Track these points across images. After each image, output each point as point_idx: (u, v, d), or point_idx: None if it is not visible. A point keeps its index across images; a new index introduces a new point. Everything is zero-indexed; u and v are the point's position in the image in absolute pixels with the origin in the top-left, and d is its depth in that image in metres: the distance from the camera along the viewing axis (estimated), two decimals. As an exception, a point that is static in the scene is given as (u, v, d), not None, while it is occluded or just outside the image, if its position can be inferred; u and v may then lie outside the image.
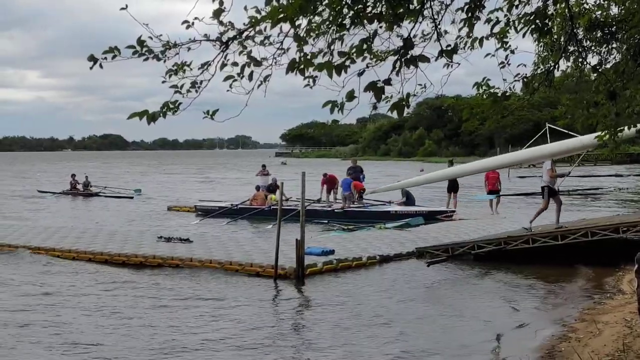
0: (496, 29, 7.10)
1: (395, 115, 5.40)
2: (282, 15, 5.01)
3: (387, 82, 5.22)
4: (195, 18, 5.26)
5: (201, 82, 5.45)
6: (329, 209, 28.12)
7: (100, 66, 5.28)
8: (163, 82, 5.43)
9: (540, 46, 9.62)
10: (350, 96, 5.10)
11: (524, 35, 7.30)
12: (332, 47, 5.44)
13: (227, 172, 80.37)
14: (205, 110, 5.43)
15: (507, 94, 7.51)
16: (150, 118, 5.30)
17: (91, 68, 5.26)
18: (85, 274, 16.11)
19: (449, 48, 5.88)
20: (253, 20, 5.29)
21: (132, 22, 5.18)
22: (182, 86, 5.41)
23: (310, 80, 5.40)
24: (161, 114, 5.36)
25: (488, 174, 28.44)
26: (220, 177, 68.51)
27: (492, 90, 7.56)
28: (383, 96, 5.28)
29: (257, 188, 30.60)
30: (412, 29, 5.77)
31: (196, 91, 5.44)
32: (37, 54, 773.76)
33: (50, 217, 30.74)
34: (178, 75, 5.42)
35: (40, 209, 35.19)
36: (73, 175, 43.85)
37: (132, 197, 40.43)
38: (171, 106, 5.39)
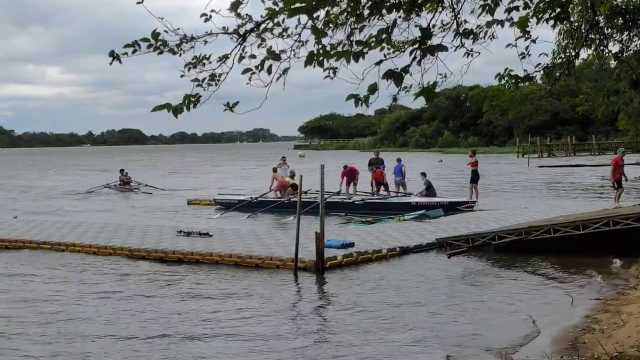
0: (515, 18, 7.00)
1: (423, 100, 5.39)
2: (298, 6, 4.96)
3: (405, 69, 5.19)
4: (212, 11, 5.24)
5: (220, 75, 5.42)
6: (349, 201, 28.07)
7: (120, 61, 5.27)
8: (182, 76, 5.42)
9: (561, 35, 9.53)
10: (373, 89, 5.07)
11: (545, 22, 7.19)
12: (351, 39, 5.40)
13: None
14: (226, 103, 5.40)
15: (530, 75, 7.39)
16: (174, 111, 5.30)
17: (111, 63, 5.26)
18: (104, 269, 16.18)
19: (467, 31, 5.82)
20: (270, 12, 5.25)
21: (152, 18, 5.16)
22: (203, 79, 5.39)
23: (330, 71, 5.37)
24: (185, 107, 5.35)
25: (617, 159, 24.77)
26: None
27: (513, 74, 7.46)
28: (403, 86, 5.24)
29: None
30: (431, 19, 5.72)
31: (215, 84, 5.42)
32: (57, 50, 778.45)
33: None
34: (197, 68, 5.40)
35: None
36: (122, 171, 43.96)
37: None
38: (192, 99, 5.38)
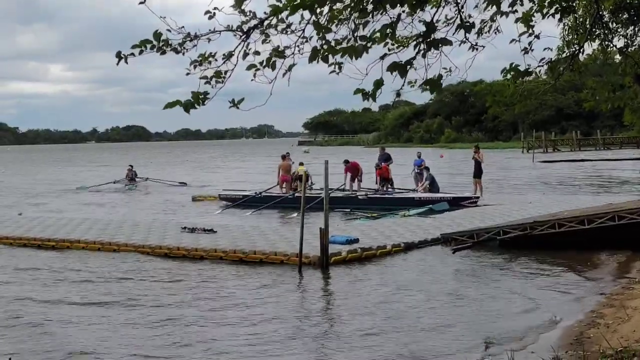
0: (519, 14, 6.99)
1: (427, 96, 5.44)
2: (301, 2, 4.96)
3: (410, 61, 5.19)
4: (215, 8, 5.24)
5: (226, 72, 5.42)
6: (353, 196, 28.05)
7: (126, 61, 5.27)
8: (187, 74, 5.42)
9: (565, 30, 9.50)
10: (379, 84, 5.07)
11: (551, 17, 7.17)
12: (355, 34, 5.40)
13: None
14: (231, 99, 5.40)
15: (530, 69, 7.37)
16: (186, 106, 5.32)
17: (117, 64, 5.27)
18: (107, 266, 16.19)
19: (468, 24, 5.83)
20: (274, 9, 5.25)
21: (154, 15, 5.12)
22: (211, 77, 5.40)
23: (336, 66, 5.37)
24: (195, 104, 5.35)
25: None
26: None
27: (514, 67, 7.45)
28: (407, 80, 5.25)
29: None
30: (434, 14, 5.71)
31: (221, 81, 5.42)
32: (61, 47, 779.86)
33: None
34: (202, 66, 5.40)
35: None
36: (130, 167, 44.79)
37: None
38: (200, 96, 5.38)
